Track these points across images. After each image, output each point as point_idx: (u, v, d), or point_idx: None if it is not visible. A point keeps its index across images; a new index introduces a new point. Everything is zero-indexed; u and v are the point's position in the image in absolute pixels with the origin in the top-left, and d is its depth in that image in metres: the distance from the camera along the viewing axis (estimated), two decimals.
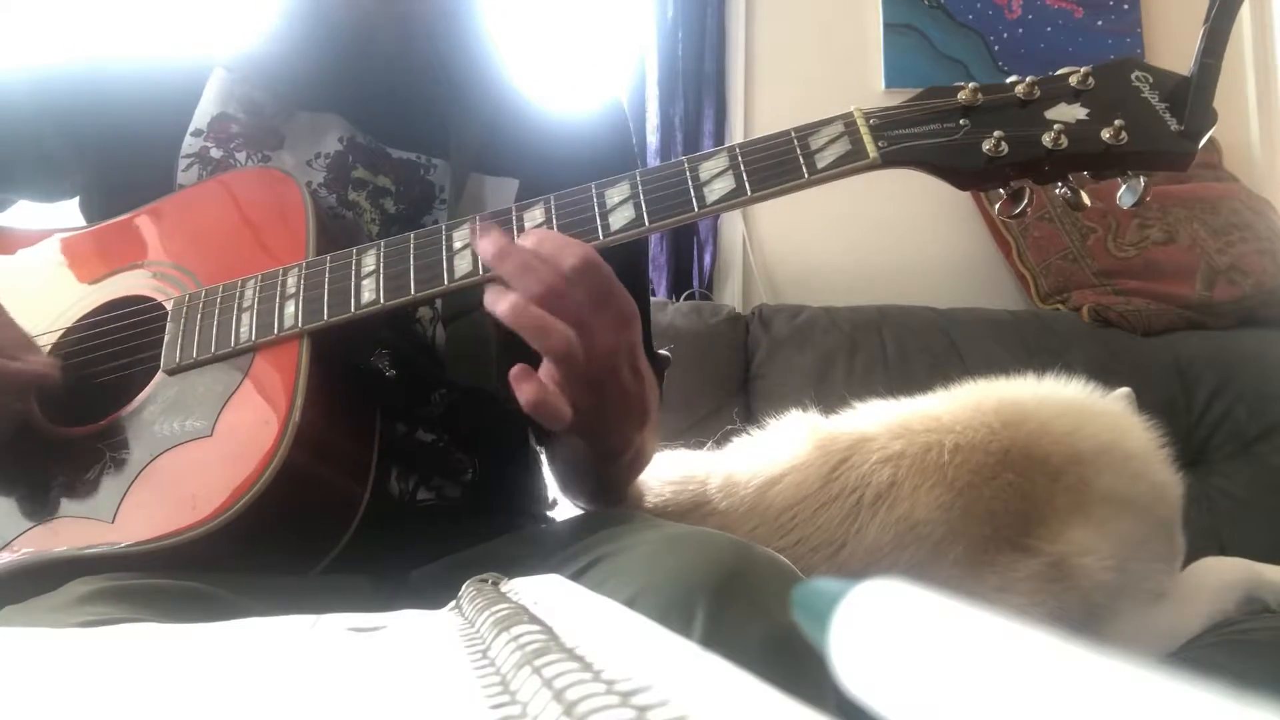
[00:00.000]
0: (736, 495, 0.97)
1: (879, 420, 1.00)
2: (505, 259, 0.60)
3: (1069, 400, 0.98)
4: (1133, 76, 0.63)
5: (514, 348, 0.61)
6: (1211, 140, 2.05)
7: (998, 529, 0.92)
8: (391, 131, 0.82)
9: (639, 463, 0.80)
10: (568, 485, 0.87)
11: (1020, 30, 2.06)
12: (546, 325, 0.58)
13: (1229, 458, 1.56)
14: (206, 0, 0.88)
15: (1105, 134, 0.61)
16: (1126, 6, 2.07)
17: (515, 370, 0.59)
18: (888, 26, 2.04)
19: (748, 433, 1.09)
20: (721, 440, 1.09)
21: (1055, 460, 0.92)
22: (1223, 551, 1.21)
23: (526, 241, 0.61)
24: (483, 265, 0.65)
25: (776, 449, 1.01)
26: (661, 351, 0.91)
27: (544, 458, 0.90)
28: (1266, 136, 2.04)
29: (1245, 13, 2.06)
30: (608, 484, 0.81)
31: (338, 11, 0.77)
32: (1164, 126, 0.62)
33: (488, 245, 0.61)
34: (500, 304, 0.59)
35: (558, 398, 0.60)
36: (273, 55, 0.80)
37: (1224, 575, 1.02)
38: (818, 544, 0.92)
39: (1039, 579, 0.90)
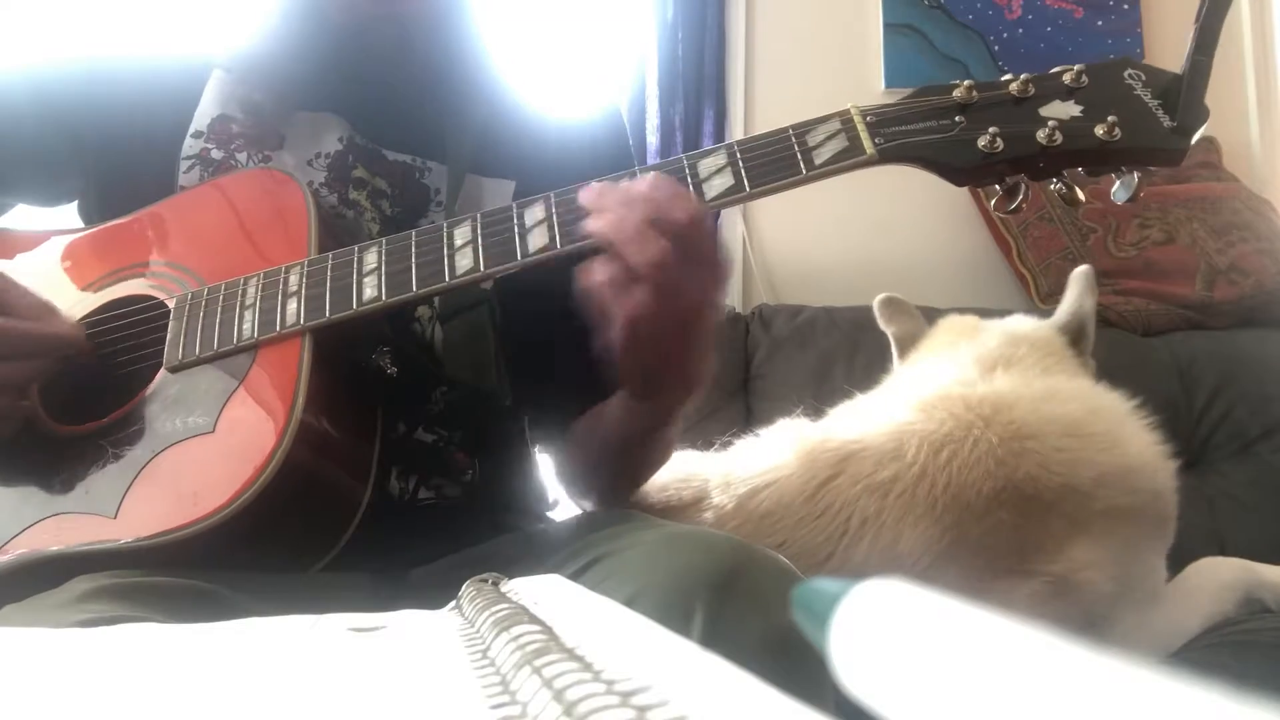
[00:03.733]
0: (725, 497, 0.97)
1: (871, 429, 0.98)
2: (605, 194, 0.61)
3: (1070, 421, 0.94)
4: (1126, 74, 0.64)
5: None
6: (1211, 140, 2.06)
7: (990, 561, 0.91)
8: (387, 133, 0.82)
9: (666, 447, 0.80)
10: (583, 476, 0.86)
11: (1020, 30, 2.06)
12: (645, 234, 0.58)
13: (1229, 458, 1.56)
14: (205, 1, 0.88)
15: (1099, 130, 0.62)
16: (1126, 6, 2.07)
17: (592, 261, 0.60)
18: (888, 26, 2.04)
19: (740, 438, 1.08)
20: (723, 446, 1.09)
21: (1049, 495, 0.91)
22: (1223, 551, 1.21)
23: (637, 184, 0.61)
24: (484, 262, 0.65)
25: (760, 458, 0.99)
26: None
27: (552, 456, 0.90)
28: (1266, 136, 2.04)
29: (1245, 13, 2.06)
30: (632, 468, 0.81)
31: (334, 12, 0.78)
32: (1157, 123, 0.62)
33: (597, 199, 0.61)
34: (598, 220, 0.60)
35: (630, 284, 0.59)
36: (270, 56, 0.80)
37: (1223, 576, 1.02)
38: (799, 552, 0.91)
39: (1039, 597, 0.89)
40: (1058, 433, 0.93)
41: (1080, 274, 1.09)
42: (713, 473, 1.01)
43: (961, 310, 1.71)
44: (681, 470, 1.03)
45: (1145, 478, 0.94)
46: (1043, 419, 0.93)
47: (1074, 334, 1.10)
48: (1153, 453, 0.97)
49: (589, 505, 0.86)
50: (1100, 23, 2.06)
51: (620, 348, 0.62)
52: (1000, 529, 0.90)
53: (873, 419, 1.00)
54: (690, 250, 0.59)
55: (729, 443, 1.08)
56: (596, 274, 0.60)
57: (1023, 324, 1.13)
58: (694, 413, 1.57)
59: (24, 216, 0.88)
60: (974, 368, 1.05)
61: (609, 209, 0.60)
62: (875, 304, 1.27)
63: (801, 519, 0.93)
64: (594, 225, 0.60)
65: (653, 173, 0.63)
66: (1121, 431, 0.95)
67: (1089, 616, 0.90)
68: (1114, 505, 0.92)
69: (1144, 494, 0.93)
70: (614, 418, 0.75)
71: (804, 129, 0.65)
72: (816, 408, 1.13)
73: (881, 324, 1.26)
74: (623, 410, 0.73)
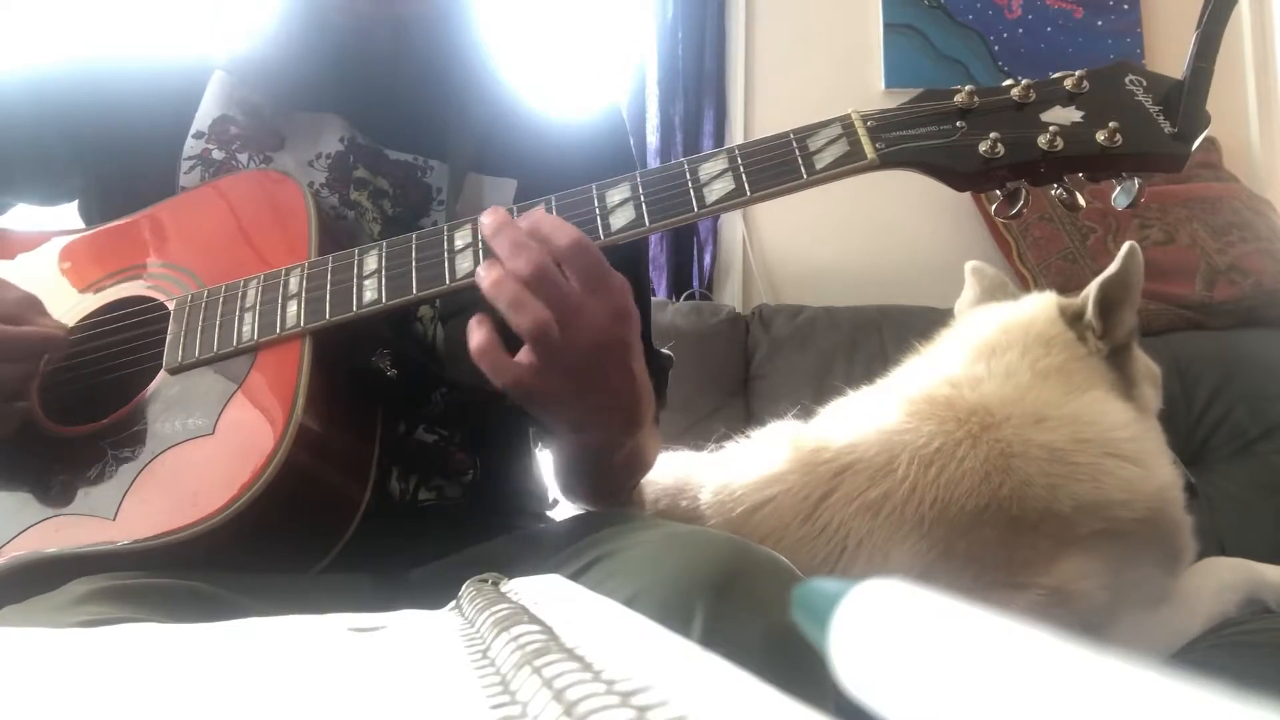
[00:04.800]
0: (721, 518, 0.96)
1: (864, 435, 0.97)
2: (499, 234, 0.61)
3: (1054, 449, 0.93)
4: (1127, 80, 0.64)
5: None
6: (1211, 140, 2.05)
7: (979, 573, 0.90)
8: (388, 133, 0.82)
9: (636, 466, 0.80)
10: (568, 486, 0.87)
11: (1020, 30, 2.06)
12: (522, 300, 0.59)
13: (1229, 458, 1.56)
14: (206, 2, 0.88)
15: (1100, 136, 0.62)
16: (1126, 6, 2.07)
17: (474, 318, 0.61)
18: (888, 26, 2.04)
19: (734, 439, 1.07)
20: (719, 442, 1.08)
21: (1033, 515, 0.90)
22: (1223, 551, 1.20)
23: (523, 221, 0.61)
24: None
25: (755, 468, 0.98)
26: (664, 350, 0.91)
27: (548, 459, 0.90)
28: (1266, 136, 2.04)
29: (1245, 14, 2.06)
30: (605, 485, 0.81)
31: (332, 14, 0.78)
32: (1158, 129, 0.62)
33: (488, 219, 0.62)
34: (485, 277, 0.60)
35: (504, 357, 0.60)
36: (269, 58, 0.80)
37: (1224, 576, 1.01)
38: (799, 569, 0.90)
39: (1036, 608, 0.89)
40: (1042, 458, 0.92)
41: (1124, 248, 1.03)
42: (706, 483, 1.00)
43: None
44: (673, 478, 1.02)
45: (1127, 509, 0.92)
46: (1028, 442, 0.93)
47: (1100, 307, 1.04)
48: (1141, 485, 0.94)
49: (585, 507, 0.87)
50: (1100, 23, 2.07)
51: (531, 387, 0.62)
52: (986, 543, 0.90)
53: (864, 420, 0.99)
54: (580, 284, 0.60)
55: (722, 444, 1.07)
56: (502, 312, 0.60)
57: (1021, 309, 1.10)
58: (691, 414, 1.58)
59: (23, 216, 0.88)
60: (961, 359, 1.04)
61: (500, 251, 0.61)
62: (966, 268, 1.25)
63: (801, 539, 0.92)
64: (484, 277, 0.61)
65: (537, 210, 0.64)
66: (1104, 465, 0.93)
67: (1086, 624, 0.90)
68: (1097, 530, 0.92)
69: (1127, 523, 0.92)
70: (568, 444, 0.74)
71: (805, 134, 0.65)
72: (815, 409, 1.12)
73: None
74: (569, 441, 0.73)
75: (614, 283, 0.61)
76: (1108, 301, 1.04)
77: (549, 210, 0.66)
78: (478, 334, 0.60)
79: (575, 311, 0.59)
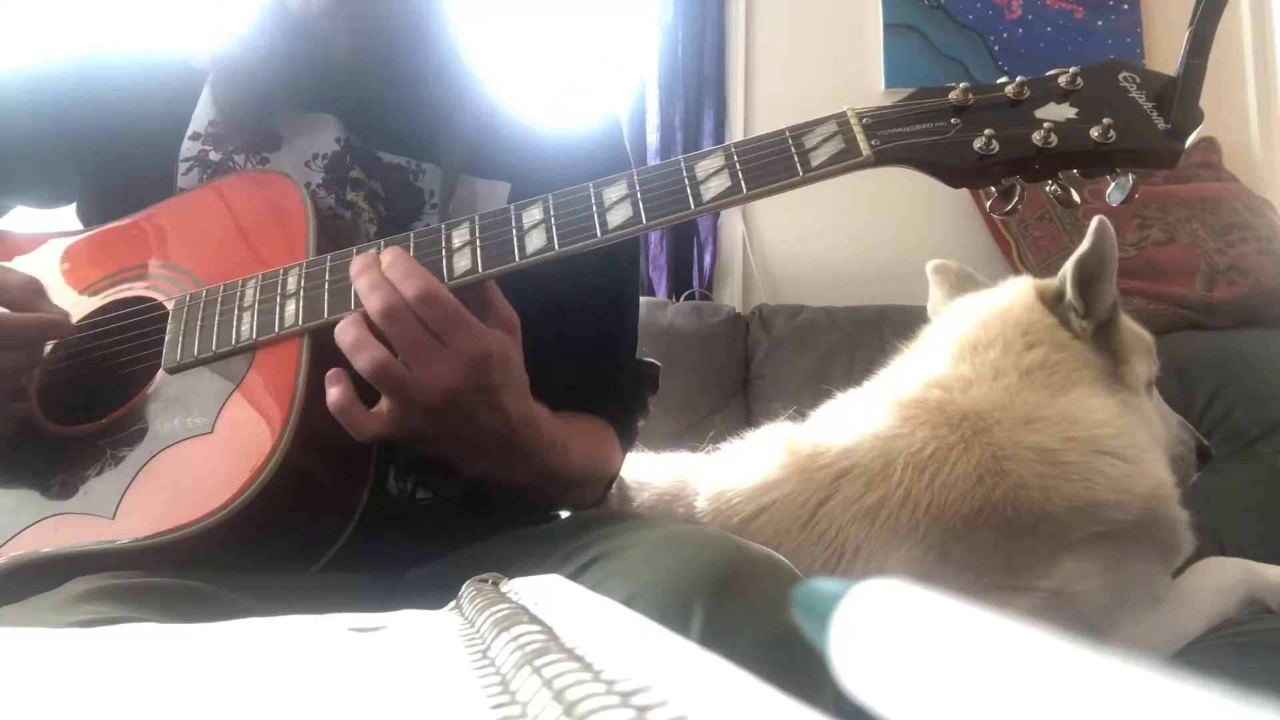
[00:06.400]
0: (719, 523, 0.96)
1: (859, 440, 0.96)
2: (360, 275, 0.63)
3: (1044, 450, 0.93)
4: (1120, 77, 0.64)
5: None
6: (1211, 140, 2.05)
7: (978, 576, 0.90)
8: (380, 135, 0.82)
9: (563, 483, 0.78)
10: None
11: (1020, 30, 2.06)
12: (360, 342, 0.61)
13: (1229, 458, 1.56)
14: (199, 4, 0.88)
15: (1094, 132, 0.62)
16: (1126, 6, 2.07)
17: (330, 373, 0.63)
18: (888, 26, 2.04)
19: (730, 441, 1.06)
20: (714, 444, 1.08)
21: (1028, 518, 0.90)
22: (1223, 551, 1.21)
23: (384, 258, 0.63)
24: (483, 263, 0.66)
25: (752, 473, 0.97)
26: (647, 359, 0.91)
27: None
28: (1266, 136, 2.04)
29: (1245, 13, 2.06)
30: (544, 501, 0.81)
31: (305, 20, 0.77)
32: (1151, 125, 0.62)
33: (356, 260, 0.65)
34: (339, 326, 0.63)
35: (362, 412, 0.62)
36: (246, 60, 0.80)
37: (1224, 576, 1.01)
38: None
39: (1037, 611, 0.89)
40: (1033, 459, 0.92)
41: (1093, 223, 1.03)
42: (702, 489, 0.99)
43: None
44: (669, 482, 1.02)
45: (1121, 510, 0.92)
46: (1019, 445, 0.93)
47: (1079, 285, 1.04)
48: (1132, 484, 0.93)
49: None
50: (1100, 23, 2.07)
51: (393, 434, 0.64)
52: (983, 547, 0.90)
53: (859, 424, 0.99)
54: (430, 330, 0.61)
55: (717, 446, 1.07)
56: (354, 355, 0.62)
57: (998, 298, 1.09)
58: (691, 415, 1.58)
59: (22, 219, 0.88)
60: (945, 358, 1.04)
61: (358, 291, 0.63)
62: (927, 269, 1.25)
63: (799, 545, 0.92)
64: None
65: (396, 248, 0.65)
66: (1093, 463, 0.93)
67: (1088, 625, 0.90)
68: (1092, 532, 0.91)
69: (1121, 524, 0.92)
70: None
71: (801, 131, 0.65)
72: (810, 411, 1.12)
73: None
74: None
75: (472, 334, 0.62)
76: (1085, 278, 1.04)
77: (546, 208, 0.66)
78: (333, 390, 0.62)
79: (421, 355, 0.61)
